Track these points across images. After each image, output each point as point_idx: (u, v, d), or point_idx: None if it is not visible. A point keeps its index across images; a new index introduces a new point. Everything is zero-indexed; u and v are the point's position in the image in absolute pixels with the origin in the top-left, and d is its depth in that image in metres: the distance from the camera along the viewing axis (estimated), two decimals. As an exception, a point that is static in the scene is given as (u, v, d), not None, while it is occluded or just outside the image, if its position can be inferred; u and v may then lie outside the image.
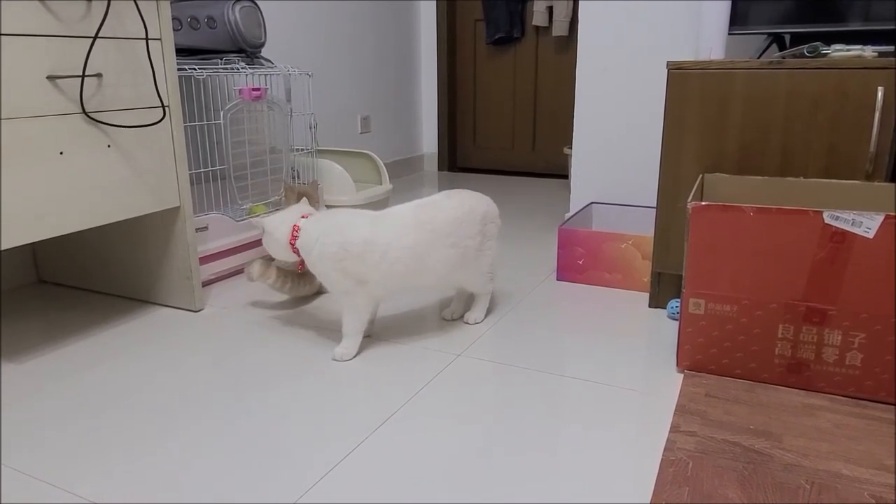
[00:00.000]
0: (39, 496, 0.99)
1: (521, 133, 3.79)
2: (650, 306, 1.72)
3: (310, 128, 2.30)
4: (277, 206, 2.14)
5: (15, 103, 1.24)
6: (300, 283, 1.72)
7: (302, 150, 2.29)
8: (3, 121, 1.23)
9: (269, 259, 1.67)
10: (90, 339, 1.54)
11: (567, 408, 1.23)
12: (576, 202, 2.33)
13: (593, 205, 2.22)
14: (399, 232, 1.39)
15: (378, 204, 2.58)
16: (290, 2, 2.78)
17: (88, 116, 1.37)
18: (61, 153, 1.34)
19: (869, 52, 1.43)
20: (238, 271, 2.00)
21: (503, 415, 1.20)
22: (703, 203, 1.26)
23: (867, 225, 1.15)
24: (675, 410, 1.21)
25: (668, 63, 1.55)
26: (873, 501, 0.94)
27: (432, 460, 1.07)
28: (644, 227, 2.11)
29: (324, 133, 3.07)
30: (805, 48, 1.49)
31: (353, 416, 1.20)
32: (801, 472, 1.01)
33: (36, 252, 1.93)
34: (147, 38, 1.45)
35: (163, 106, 1.53)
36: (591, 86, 2.22)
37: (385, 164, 2.69)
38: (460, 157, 3.99)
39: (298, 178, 2.31)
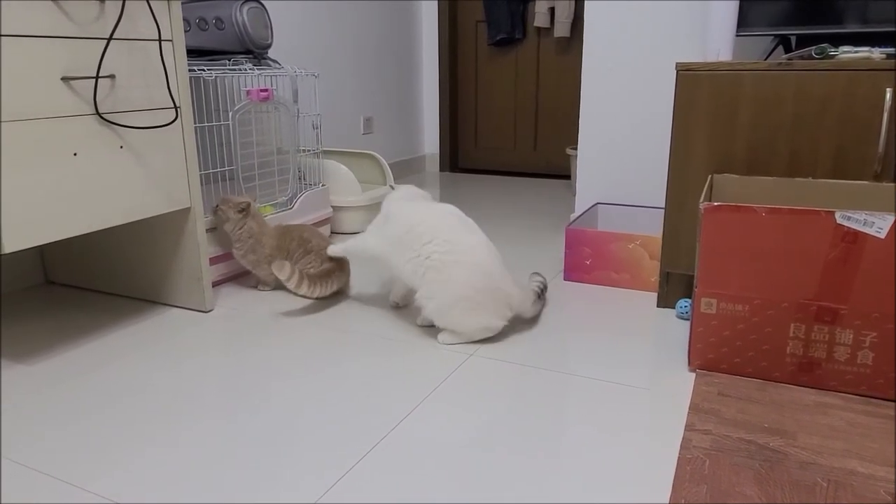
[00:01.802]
0: (54, 493, 0.99)
1: (523, 134, 3.80)
2: (658, 306, 1.73)
3: (313, 128, 2.30)
4: (285, 208, 2.15)
5: (30, 104, 1.25)
6: (319, 285, 1.72)
7: (308, 150, 2.30)
8: (19, 122, 1.23)
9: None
10: (100, 340, 1.54)
11: (581, 407, 1.24)
12: (581, 202, 2.34)
13: (599, 205, 2.23)
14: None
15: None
16: (295, 4, 2.78)
17: (102, 117, 1.37)
18: (75, 154, 1.34)
19: (877, 53, 1.44)
20: (248, 271, 1.99)
21: (518, 414, 1.21)
22: (716, 203, 1.27)
23: (879, 225, 1.17)
24: (689, 409, 1.22)
25: (678, 64, 1.56)
26: (890, 499, 0.95)
27: (449, 460, 1.07)
28: (650, 227, 2.12)
29: (327, 133, 3.08)
30: (813, 50, 1.50)
31: (368, 416, 1.21)
32: (817, 470, 1.03)
33: (44, 253, 1.93)
34: (160, 40, 1.45)
35: (175, 107, 1.53)
36: (597, 86, 2.23)
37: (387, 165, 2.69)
38: (462, 158, 4.00)
39: (304, 178, 2.31)
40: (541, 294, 1.68)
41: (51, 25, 1.27)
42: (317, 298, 1.77)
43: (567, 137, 3.66)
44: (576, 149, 3.01)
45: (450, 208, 1.56)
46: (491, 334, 1.52)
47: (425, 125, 3.95)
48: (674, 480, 1.01)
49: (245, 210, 1.81)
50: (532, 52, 3.65)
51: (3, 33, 1.19)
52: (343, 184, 2.43)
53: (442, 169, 3.99)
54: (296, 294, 1.77)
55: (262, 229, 1.84)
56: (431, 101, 3.89)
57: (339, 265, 1.78)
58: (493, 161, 3.92)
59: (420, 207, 1.57)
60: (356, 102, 3.31)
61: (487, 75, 3.80)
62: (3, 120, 1.21)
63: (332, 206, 2.42)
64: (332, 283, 1.75)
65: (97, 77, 1.35)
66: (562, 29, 3.43)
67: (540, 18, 3.48)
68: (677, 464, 1.05)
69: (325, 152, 2.46)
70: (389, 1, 3.46)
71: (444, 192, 3.38)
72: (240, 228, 1.82)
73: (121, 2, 1.37)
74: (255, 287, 1.89)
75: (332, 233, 2.45)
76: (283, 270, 1.65)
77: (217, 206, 1.83)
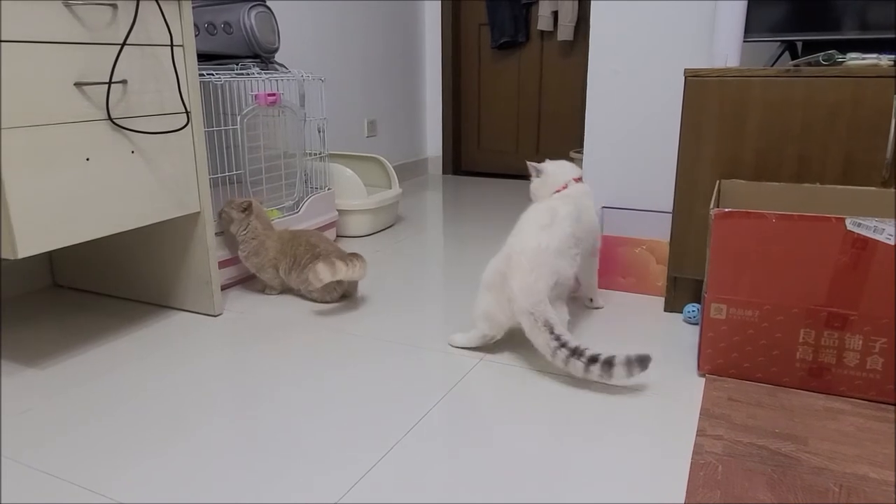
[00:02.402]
0: (65, 496, 0.99)
1: (525, 137, 3.81)
2: (666, 310, 1.73)
3: (318, 131, 2.31)
4: (291, 212, 2.15)
5: (43, 110, 1.25)
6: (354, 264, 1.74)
7: (313, 154, 2.30)
8: (32, 128, 1.24)
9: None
10: (109, 344, 1.55)
11: (592, 412, 1.24)
12: (586, 206, 2.34)
13: (604, 209, 2.23)
14: None
15: (388, 208, 2.59)
16: (301, 9, 2.79)
17: (114, 123, 1.38)
18: (87, 159, 1.34)
19: (885, 60, 1.45)
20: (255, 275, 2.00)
21: (527, 419, 1.22)
22: (726, 210, 1.28)
23: (889, 232, 1.17)
24: (700, 414, 1.22)
25: (686, 70, 1.57)
26: (902, 504, 0.96)
27: (459, 464, 1.08)
28: (656, 231, 2.13)
29: (331, 137, 3.08)
30: (821, 56, 1.50)
31: (380, 420, 1.21)
32: (829, 476, 1.03)
33: (52, 256, 1.93)
34: (172, 45, 1.46)
35: (186, 112, 1.54)
36: (603, 89, 2.24)
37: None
38: (464, 161, 4.01)
39: (310, 182, 2.32)
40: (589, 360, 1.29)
41: (64, 31, 1.27)
42: (350, 280, 1.78)
43: (569, 141, 3.67)
44: (579, 152, 3.02)
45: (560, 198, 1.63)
46: (489, 331, 1.45)
47: (428, 128, 3.96)
48: (687, 486, 1.01)
49: (247, 209, 1.81)
50: (535, 56, 3.66)
51: (17, 39, 1.20)
52: (348, 187, 2.44)
53: (444, 172, 3.99)
54: (320, 297, 1.78)
55: (266, 232, 1.84)
56: (434, 103, 3.90)
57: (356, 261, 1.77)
58: (496, 164, 3.93)
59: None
60: (360, 106, 3.31)
61: (490, 78, 3.81)
62: (17, 126, 1.21)
63: (338, 210, 2.43)
64: (359, 266, 1.74)
65: (110, 82, 1.35)
66: (565, 32, 3.44)
67: (543, 22, 3.49)
68: (690, 469, 1.06)
69: (331, 156, 2.47)
70: (393, 3, 3.47)
71: (446, 194, 3.39)
72: (244, 229, 1.82)
73: (134, 8, 1.38)
74: (262, 291, 1.89)
75: (337, 236, 2.46)
76: (318, 276, 1.67)
77: (222, 208, 1.84)
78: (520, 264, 1.38)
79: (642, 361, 1.28)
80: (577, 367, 1.29)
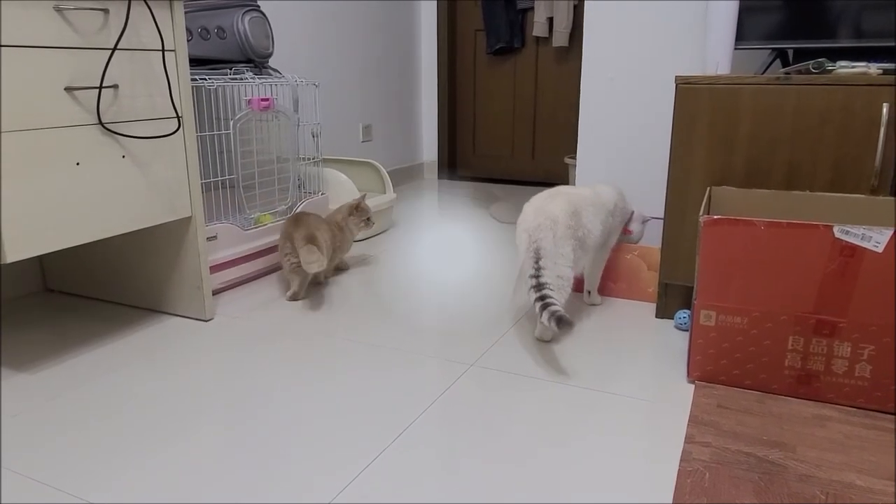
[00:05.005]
0: (56, 500, 0.99)
1: (521, 142, 3.82)
2: (657, 317, 1.73)
3: (312, 136, 2.31)
4: (285, 216, 2.15)
5: (33, 114, 1.25)
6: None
7: (307, 159, 2.30)
8: (22, 132, 1.24)
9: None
10: (101, 349, 1.54)
11: (580, 418, 1.24)
12: (579, 212, 2.35)
13: (597, 215, 2.23)
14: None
15: (382, 213, 2.59)
16: (295, 14, 2.79)
17: (105, 127, 1.38)
18: (78, 164, 1.34)
19: (874, 69, 1.46)
20: (246, 280, 2.00)
21: (517, 425, 1.22)
22: (715, 217, 1.28)
23: (877, 239, 1.18)
24: (689, 421, 1.22)
25: (677, 78, 1.57)
26: (888, 512, 0.96)
27: (449, 473, 1.08)
28: (648, 238, 2.13)
29: (326, 142, 3.08)
30: (811, 64, 1.51)
31: (372, 424, 1.21)
32: (816, 483, 1.03)
33: (43, 260, 1.93)
34: (163, 50, 1.46)
35: (177, 116, 1.54)
36: (596, 95, 2.25)
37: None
38: (460, 166, 4.02)
39: (304, 187, 2.32)
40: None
41: (55, 36, 1.27)
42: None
43: (565, 146, 3.68)
44: (574, 158, 3.02)
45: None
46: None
47: (424, 133, 3.97)
48: (674, 492, 1.01)
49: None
50: (530, 61, 3.67)
51: (7, 44, 1.20)
52: (343, 192, 2.44)
53: (440, 176, 4.00)
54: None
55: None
56: (430, 108, 3.91)
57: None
58: (492, 169, 3.93)
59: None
60: (355, 110, 3.32)
61: (486, 84, 3.82)
62: (6, 130, 1.21)
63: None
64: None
65: (100, 87, 1.35)
66: (560, 38, 3.45)
67: (538, 28, 3.50)
68: (678, 476, 1.06)
69: (325, 161, 2.47)
70: (388, 8, 3.48)
71: (441, 199, 3.39)
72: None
73: (125, 12, 1.38)
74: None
75: (331, 241, 2.45)
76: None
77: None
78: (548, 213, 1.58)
79: (561, 320, 1.38)
80: (531, 296, 1.45)
